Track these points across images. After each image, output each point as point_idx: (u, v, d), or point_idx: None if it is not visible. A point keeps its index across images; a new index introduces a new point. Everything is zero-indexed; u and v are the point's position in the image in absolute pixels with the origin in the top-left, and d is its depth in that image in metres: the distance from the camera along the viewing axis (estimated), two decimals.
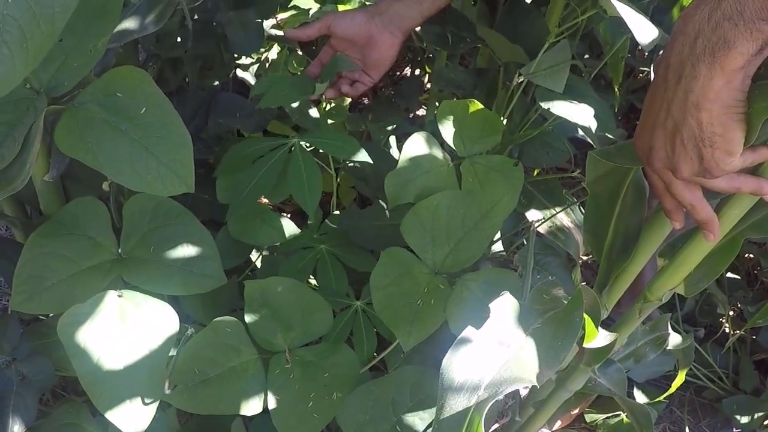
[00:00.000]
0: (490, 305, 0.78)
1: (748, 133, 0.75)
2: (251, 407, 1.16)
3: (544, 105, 1.27)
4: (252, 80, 1.84)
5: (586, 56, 2.20)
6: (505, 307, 0.79)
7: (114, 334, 1.06)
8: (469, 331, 0.74)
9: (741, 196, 0.85)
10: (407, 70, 2.41)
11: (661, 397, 1.65)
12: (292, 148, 1.29)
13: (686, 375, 1.99)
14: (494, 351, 0.73)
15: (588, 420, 1.88)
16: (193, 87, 1.62)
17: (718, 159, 0.77)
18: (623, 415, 1.78)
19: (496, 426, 1.77)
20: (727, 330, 2.09)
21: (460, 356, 0.73)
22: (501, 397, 0.67)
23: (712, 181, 0.81)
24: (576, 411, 1.88)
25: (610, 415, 1.86)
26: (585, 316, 0.84)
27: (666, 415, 2.02)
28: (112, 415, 1.05)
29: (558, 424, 1.76)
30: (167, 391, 1.07)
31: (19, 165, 0.94)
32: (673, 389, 1.54)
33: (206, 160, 1.52)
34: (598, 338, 0.92)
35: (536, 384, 0.70)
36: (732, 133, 0.75)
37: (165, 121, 0.99)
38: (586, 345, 0.90)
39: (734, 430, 1.98)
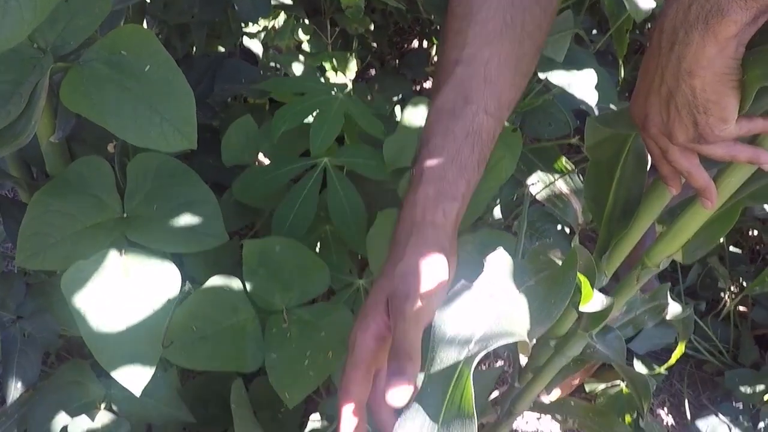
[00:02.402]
0: (485, 259, 0.78)
1: (742, 100, 0.75)
2: (248, 365, 1.17)
3: (543, 74, 1.27)
4: (259, 48, 1.85)
5: (594, 32, 2.20)
6: (499, 262, 0.79)
7: (117, 290, 1.08)
8: (462, 285, 0.75)
9: (738, 164, 0.86)
10: (415, 42, 2.42)
11: (662, 368, 1.67)
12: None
13: (687, 348, 2.00)
14: (486, 305, 0.74)
15: (588, 389, 1.90)
16: (200, 54, 1.63)
17: (712, 125, 0.77)
18: (622, 385, 1.79)
19: (495, 394, 1.78)
20: (728, 304, 2.09)
21: (452, 310, 0.73)
22: (491, 349, 0.68)
23: (708, 147, 0.81)
24: (576, 381, 1.89)
25: (610, 384, 1.88)
26: (581, 277, 0.85)
27: (666, 388, 2.03)
28: (114, 370, 1.06)
29: (557, 393, 1.78)
30: (164, 347, 1.08)
31: (25, 121, 0.95)
32: (673, 360, 1.54)
33: (211, 125, 1.53)
34: (593, 301, 0.92)
35: (527, 340, 0.71)
36: (726, 99, 0.75)
37: (169, 78, 1.00)
38: (582, 308, 0.90)
39: (734, 403, 1.98)
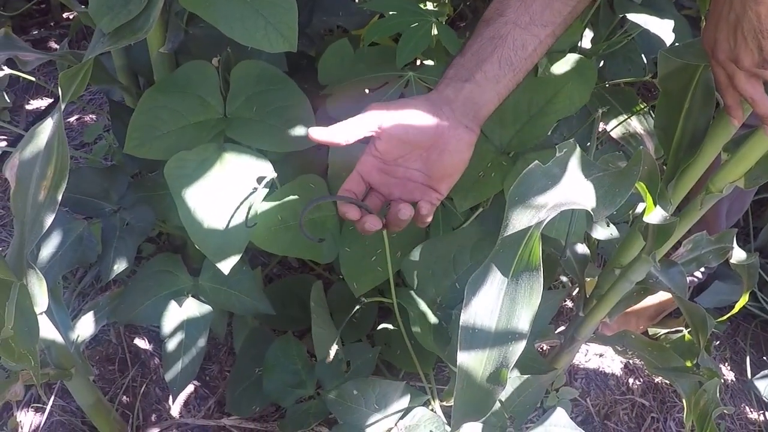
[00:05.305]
0: (557, 146, 0.85)
1: None
2: (324, 256, 1.26)
3: (621, 12, 1.33)
4: None
5: None
6: (570, 151, 0.86)
7: (214, 178, 1.18)
8: (535, 165, 0.82)
9: None
10: None
11: (724, 318, 1.68)
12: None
13: (753, 308, 2.03)
14: (557, 184, 0.81)
15: (651, 333, 1.94)
16: None
17: None
18: (685, 332, 1.82)
19: (545, 347, 1.84)
20: None
21: (525, 186, 0.80)
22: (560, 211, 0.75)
23: None
24: (642, 327, 1.94)
25: (673, 330, 1.92)
26: (644, 188, 0.90)
27: (730, 345, 2.05)
28: (206, 248, 1.17)
29: None
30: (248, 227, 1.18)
31: (144, 18, 1.06)
32: (736, 309, 1.54)
33: (308, 54, 1.62)
34: (655, 213, 0.97)
35: (591, 213, 0.77)
36: None
37: None
38: (645, 218, 0.96)
39: None
